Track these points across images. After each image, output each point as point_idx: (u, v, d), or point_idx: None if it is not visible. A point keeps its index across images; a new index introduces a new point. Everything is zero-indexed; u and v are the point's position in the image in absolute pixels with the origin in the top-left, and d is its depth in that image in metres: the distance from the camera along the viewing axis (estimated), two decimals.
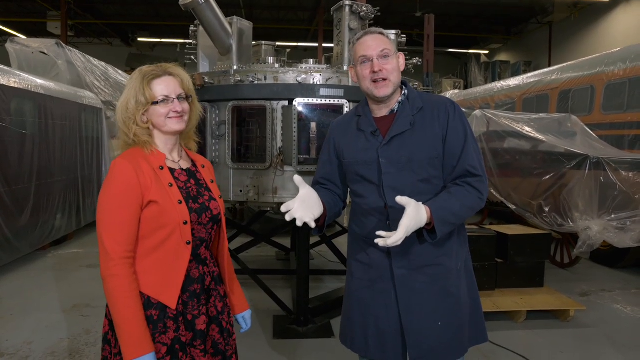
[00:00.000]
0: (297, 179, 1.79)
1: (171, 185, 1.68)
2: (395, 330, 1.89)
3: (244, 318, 1.99)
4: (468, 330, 1.95)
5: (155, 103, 1.68)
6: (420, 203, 1.72)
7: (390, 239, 1.65)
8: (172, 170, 1.73)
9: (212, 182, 1.86)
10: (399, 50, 2.04)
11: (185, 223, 1.66)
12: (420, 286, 1.87)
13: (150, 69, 1.71)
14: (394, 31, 4.16)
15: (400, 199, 1.68)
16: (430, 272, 1.88)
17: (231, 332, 1.87)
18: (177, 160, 1.78)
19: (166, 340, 1.65)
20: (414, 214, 1.67)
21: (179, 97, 1.71)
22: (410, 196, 1.70)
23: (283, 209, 1.74)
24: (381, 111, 1.92)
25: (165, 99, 1.69)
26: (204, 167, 1.87)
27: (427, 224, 1.74)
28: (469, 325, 1.96)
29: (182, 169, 1.77)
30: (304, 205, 1.75)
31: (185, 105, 1.73)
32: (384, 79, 1.82)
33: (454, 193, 1.82)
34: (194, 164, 1.85)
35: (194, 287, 1.72)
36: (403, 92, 1.94)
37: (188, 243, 1.68)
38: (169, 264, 1.67)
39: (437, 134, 1.84)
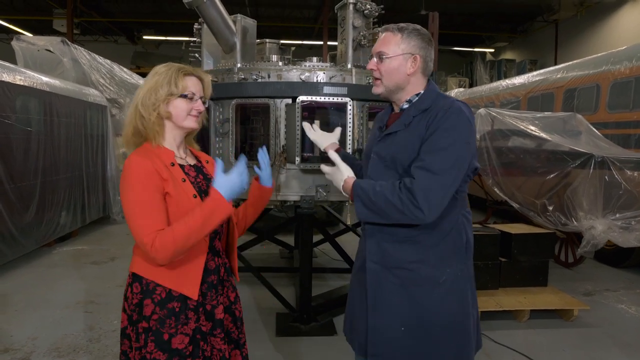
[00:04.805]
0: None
1: (184, 181, 1.75)
2: (364, 321, 1.88)
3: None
4: (446, 348, 1.81)
5: (182, 96, 1.76)
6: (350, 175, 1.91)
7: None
8: (181, 167, 1.80)
9: None
10: None
11: None
12: (389, 286, 1.82)
13: (183, 65, 1.82)
14: None
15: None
16: (400, 274, 1.81)
17: (242, 321, 1.94)
18: (183, 157, 1.86)
19: (188, 330, 1.71)
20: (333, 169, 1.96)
21: (201, 99, 1.82)
22: None
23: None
24: (396, 108, 1.97)
25: (192, 96, 1.78)
26: (208, 162, 1.96)
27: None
28: (448, 345, 1.82)
29: (190, 165, 1.85)
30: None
31: (203, 108, 1.84)
32: (376, 79, 1.89)
33: (381, 184, 1.76)
34: (198, 160, 1.93)
35: (211, 278, 1.79)
36: (418, 92, 1.87)
37: (205, 236, 1.73)
38: (189, 256, 1.73)
39: (421, 137, 1.75)
